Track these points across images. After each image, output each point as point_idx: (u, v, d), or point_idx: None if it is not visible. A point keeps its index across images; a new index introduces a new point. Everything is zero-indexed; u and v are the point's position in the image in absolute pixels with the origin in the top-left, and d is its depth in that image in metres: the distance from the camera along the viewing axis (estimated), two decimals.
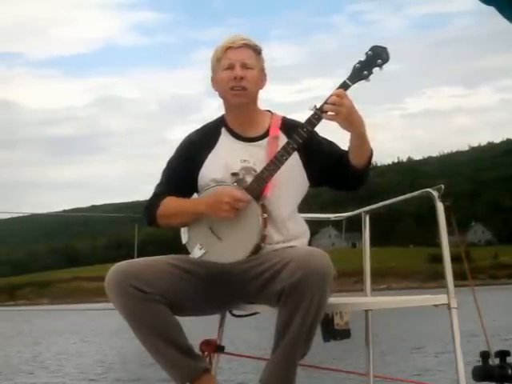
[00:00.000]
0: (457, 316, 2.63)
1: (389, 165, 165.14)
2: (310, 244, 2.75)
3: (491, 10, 1.80)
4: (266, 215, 2.58)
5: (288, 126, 2.70)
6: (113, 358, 10.21)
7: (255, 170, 2.62)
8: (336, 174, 2.68)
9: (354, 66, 2.57)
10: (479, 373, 2.85)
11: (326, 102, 2.51)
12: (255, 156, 2.65)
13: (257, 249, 2.57)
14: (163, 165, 2.78)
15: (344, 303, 2.61)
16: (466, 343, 2.90)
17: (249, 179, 2.61)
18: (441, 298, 2.66)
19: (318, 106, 2.54)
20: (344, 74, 2.57)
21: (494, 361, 2.84)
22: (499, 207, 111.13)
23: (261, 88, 2.73)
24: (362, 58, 2.57)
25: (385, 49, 2.57)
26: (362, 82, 2.57)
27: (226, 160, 2.66)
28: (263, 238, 2.58)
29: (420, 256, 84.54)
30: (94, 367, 8.93)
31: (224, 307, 2.75)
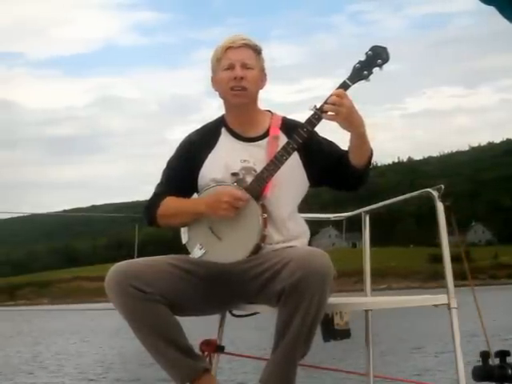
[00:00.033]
0: (457, 316, 2.63)
1: (389, 165, 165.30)
2: (310, 244, 2.75)
3: (491, 9, 1.80)
4: (266, 215, 2.58)
5: (288, 126, 2.70)
6: (112, 358, 10.21)
7: (255, 170, 2.62)
8: (336, 174, 2.68)
9: (354, 66, 2.57)
10: (479, 373, 2.84)
11: (325, 102, 2.51)
12: (255, 156, 2.65)
13: (257, 249, 2.57)
14: (163, 165, 2.79)
15: (344, 303, 2.61)
16: (466, 343, 2.90)
17: (249, 179, 2.61)
18: (441, 298, 2.66)
19: (317, 106, 2.54)
20: (344, 74, 2.57)
21: (494, 361, 2.83)
22: (499, 207, 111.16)
23: (261, 88, 2.73)
24: (362, 58, 2.57)
25: (385, 49, 2.57)
26: (362, 82, 2.57)
27: (226, 160, 2.66)
28: (263, 238, 2.58)
29: (420, 256, 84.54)
30: (94, 367, 8.93)
31: (224, 307, 2.75)
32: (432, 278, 65.65)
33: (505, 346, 3.01)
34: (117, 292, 2.49)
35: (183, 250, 2.68)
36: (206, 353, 2.79)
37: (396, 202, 3.11)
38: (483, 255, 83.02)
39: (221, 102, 2.74)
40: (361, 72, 2.56)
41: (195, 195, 2.72)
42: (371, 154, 2.62)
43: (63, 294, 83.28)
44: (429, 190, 2.74)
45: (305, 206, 2.80)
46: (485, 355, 2.85)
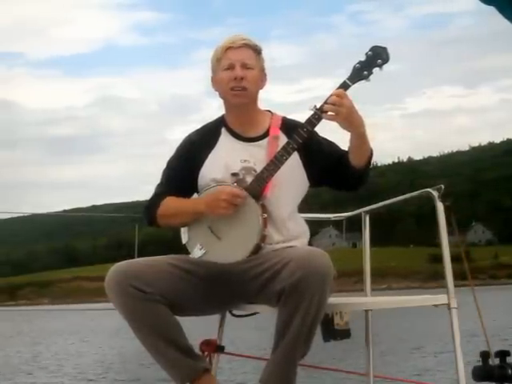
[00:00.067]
0: (457, 316, 2.63)
1: (389, 165, 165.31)
2: (310, 244, 2.75)
3: (491, 10, 1.80)
4: (266, 215, 2.58)
5: (288, 126, 2.70)
6: (112, 358, 10.20)
7: (255, 170, 2.62)
8: (336, 174, 2.68)
9: (354, 66, 2.57)
10: (479, 373, 2.84)
11: (325, 102, 2.51)
12: (255, 156, 2.65)
13: (257, 249, 2.57)
14: (163, 165, 2.79)
15: (344, 303, 2.61)
16: (465, 343, 2.90)
17: (249, 179, 2.61)
18: (441, 298, 2.66)
19: (317, 106, 2.54)
20: (344, 74, 2.57)
21: (494, 361, 2.83)
22: (499, 207, 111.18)
23: (261, 88, 2.73)
24: (362, 58, 2.57)
25: (385, 49, 2.57)
26: (362, 82, 2.57)
27: (226, 160, 2.66)
28: (263, 238, 2.58)
29: (420, 256, 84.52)
30: (94, 367, 8.93)
31: (224, 307, 2.75)
32: (432, 277, 65.63)
33: (505, 346, 3.01)
34: (117, 292, 2.49)
35: (183, 249, 2.68)
36: (206, 353, 2.79)
37: (396, 202, 3.11)
38: (483, 255, 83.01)
39: (221, 102, 2.75)
40: (361, 72, 2.56)
41: (195, 195, 2.73)
42: (371, 154, 2.62)
43: (63, 293, 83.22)
44: (429, 189, 2.73)
45: (305, 206, 2.80)
46: (485, 355, 2.85)
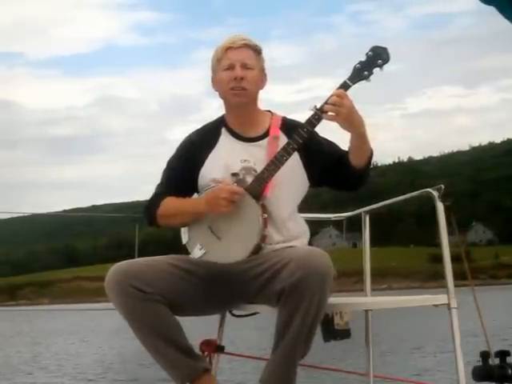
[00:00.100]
0: (457, 316, 2.63)
1: (389, 165, 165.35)
2: (310, 244, 2.75)
3: (491, 10, 1.80)
4: (266, 215, 2.58)
5: (288, 126, 2.70)
6: (112, 358, 10.19)
7: (255, 170, 2.62)
8: (336, 175, 2.68)
9: (355, 67, 2.57)
10: (479, 373, 2.85)
11: (326, 102, 2.51)
12: (255, 156, 2.65)
13: (257, 249, 2.57)
14: (163, 165, 2.79)
15: (344, 303, 2.61)
16: (465, 343, 2.89)
17: (249, 179, 2.61)
18: (441, 298, 2.66)
19: (318, 106, 2.54)
20: (344, 74, 2.57)
21: (494, 361, 2.84)
22: (500, 207, 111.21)
23: (261, 88, 2.73)
24: (363, 58, 2.57)
25: (385, 49, 2.57)
26: (363, 82, 2.57)
27: (226, 160, 2.66)
28: (263, 238, 2.58)
29: (420, 256, 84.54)
30: (94, 367, 8.91)
31: (224, 307, 2.75)
32: (432, 277, 65.64)
33: (505, 346, 3.01)
34: (117, 292, 2.49)
35: (183, 249, 2.68)
36: (206, 353, 2.79)
37: (396, 202, 3.11)
38: (483, 255, 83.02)
39: (221, 102, 2.75)
40: (361, 72, 2.56)
41: (195, 195, 2.73)
42: (371, 154, 2.62)
43: (63, 293, 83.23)
44: (429, 189, 2.74)
45: (305, 206, 2.80)
46: (485, 355, 2.85)
